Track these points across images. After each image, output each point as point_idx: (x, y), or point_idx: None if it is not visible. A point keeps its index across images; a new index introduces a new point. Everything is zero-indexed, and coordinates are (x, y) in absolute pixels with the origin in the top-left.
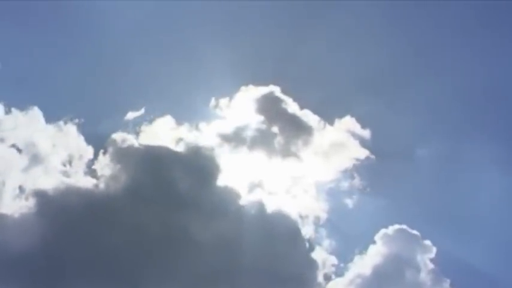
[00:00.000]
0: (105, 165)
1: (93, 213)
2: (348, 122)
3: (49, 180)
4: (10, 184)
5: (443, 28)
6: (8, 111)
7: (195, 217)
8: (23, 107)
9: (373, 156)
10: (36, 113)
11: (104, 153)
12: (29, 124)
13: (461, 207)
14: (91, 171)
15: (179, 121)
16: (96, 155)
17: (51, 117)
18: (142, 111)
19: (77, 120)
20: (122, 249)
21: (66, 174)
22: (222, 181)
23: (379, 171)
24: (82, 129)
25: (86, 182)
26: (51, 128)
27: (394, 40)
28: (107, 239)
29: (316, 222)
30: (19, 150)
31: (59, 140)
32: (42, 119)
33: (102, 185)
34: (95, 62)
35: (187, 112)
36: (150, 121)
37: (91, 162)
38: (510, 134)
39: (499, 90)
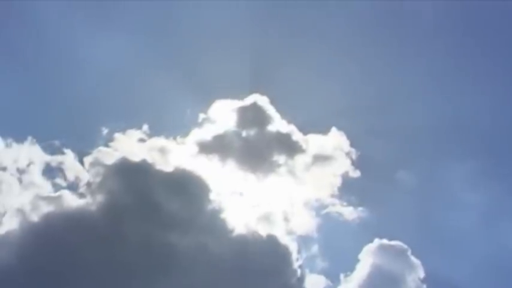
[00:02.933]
0: (92, 182)
1: (86, 232)
2: (335, 139)
3: (44, 204)
4: (11, 209)
5: (431, 60)
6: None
7: (178, 236)
8: (19, 138)
9: (359, 174)
10: (31, 142)
11: (90, 170)
12: (27, 153)
13: (442, 224)
14: (80, 192)
15: (157, 133)
16: (90, 176)
17: (45, 144)
18: (119, 124)
19: (71, 142)
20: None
21: (59, 194)
22: (202, 196)
23: (365, 189)
24: (74, 150)
25: (79, 203)
26: (47, 155)
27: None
28: (92, 255)
29: (304, 240)
30: (19, 179)
31: (54, 164)
32: (38, 147)
33: (92, 203)
34: (74, 82)
35: (167, 124)
36: (125, 133)
37: (84, 182)
38: (481, 157)
39: (472, 121)
